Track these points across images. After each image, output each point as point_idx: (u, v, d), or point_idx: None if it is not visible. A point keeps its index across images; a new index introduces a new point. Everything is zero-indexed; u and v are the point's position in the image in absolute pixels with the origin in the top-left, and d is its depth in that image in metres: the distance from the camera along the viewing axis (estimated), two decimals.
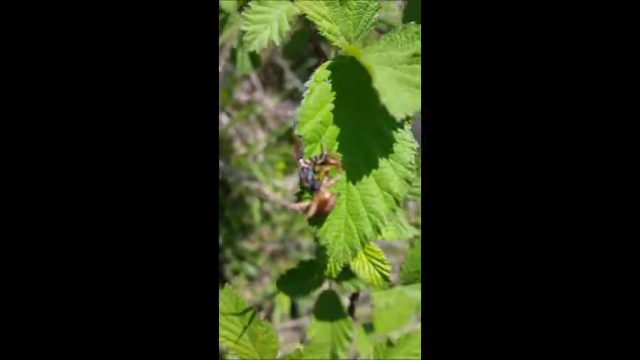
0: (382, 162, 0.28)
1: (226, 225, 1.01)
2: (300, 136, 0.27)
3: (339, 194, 0.28)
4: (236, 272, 1.05)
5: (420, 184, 0.44)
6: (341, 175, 0.27)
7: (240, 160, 1.00)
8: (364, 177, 0.28)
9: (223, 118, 1.02)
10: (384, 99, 0.23)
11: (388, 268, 0.39)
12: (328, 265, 0.41)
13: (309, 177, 0.26)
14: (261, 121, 1.04)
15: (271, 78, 1.06)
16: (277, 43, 0.42)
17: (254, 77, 1.02)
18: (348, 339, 0.47)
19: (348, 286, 0.46)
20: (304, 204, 0.27)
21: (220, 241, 1.01)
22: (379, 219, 0.28)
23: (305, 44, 0.64)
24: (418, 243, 0.44)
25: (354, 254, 0.28)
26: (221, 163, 0.97)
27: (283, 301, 1.06)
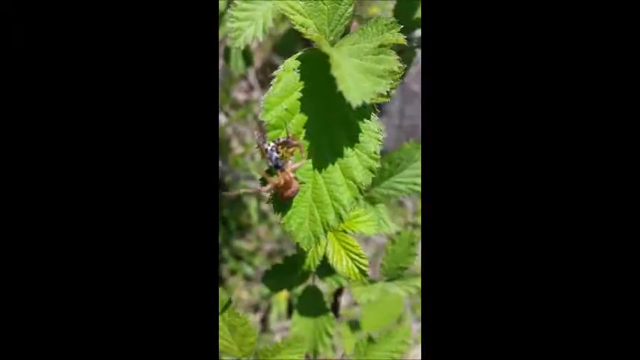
0: (347, 151, 0.28)
1: (224, 224, 1.01)
2: (263, 122, 0.27)
3: (303, 182, 0.28)
4: (233, 272, 1.05)
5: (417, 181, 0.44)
6: (305, 161, 0.27)
7: (237, 160, 1.00)
8: (329, 165, 0.28)
9: (221, 118, 1.02)
10: (341, 86, 0.23)
11: (365, 262, 0.39)
12: (306, 258, 0.41)
13: (273, 157, 0.26)
14: (259, 121, 1.05)
15: (269, 78, 1.07)
16: (260, 39, 0.42)
17: (252, 77, 1.03)
18: (329, 335, 0.47)
19: (331, 282, 0.46)
20: (268, 186, 0.27)
21: (218, 240, 1.01)
22: (342, 207, 0.28)
23: (297, 41, 0.65)
24: (399, 239, 0.44)
25: (317, 241, 0.28)
26: (220, 164, 0.97)
27: (281, 301, 1.05)
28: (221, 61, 1.04)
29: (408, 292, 0.45)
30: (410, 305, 1.08)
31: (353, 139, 0.28)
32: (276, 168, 0.26)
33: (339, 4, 0.32)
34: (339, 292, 0.49)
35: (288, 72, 0.28)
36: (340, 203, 0.28)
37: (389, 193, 0.44)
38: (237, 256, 1.04)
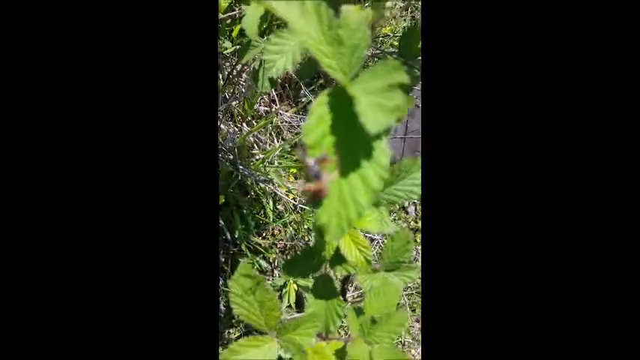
0: (365, 164, 0.35)
1: (243, 222, 1.09)
2: (305, 144, 0.35)
3: (333, 187, 0.35)
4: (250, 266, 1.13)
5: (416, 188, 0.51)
6: (336, 172, 0.35)
7: (257, 165, 1.08)
8: (352, 176, 0.36)
9: (245, 127, 1.10)
10: (362, 119, 0.31)
11: (370, 253, 0.46)
12: (324, 251, 0.49)
13: (315, 169, 0.34)
14: (278, 131, 1.13)
15: (288, 92, 1.15)
16: (290, 71, 0.50)
17: (273, 91, 1.11)
18: (339, 316, 0.54)
19: (341, 270, 0.54)
20: (308, 186, 0.34)
21: (237, 235, 1.09)
22: (361, 207, 0.35)
23: (314, 68, 0.73)
24: (397, 237, 0.51)
25: (343, 232, 0.36)
26: (241, 167, 1.05)
27: (290, 293, 1.13)
28: (246, 78, 1.12)
29: (404, 282, 0.52)
30: (409, 305, 1.14)
31: (369, 155, 0.35)
32: (315, 178, 0.34)
33: (356, 49, 0.39)
34: (346, 280, 0.57)
35: (320, 106, 0.36)
36: (359, 204, 0.35)
37: (390, 198, 0.51)
38: (255, 251, 1.11)
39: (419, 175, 0.50)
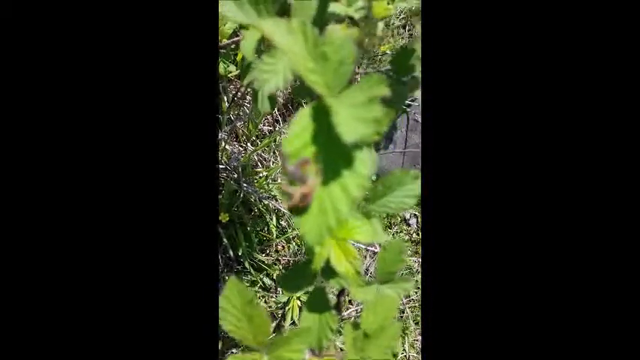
0: (345, 174, 0.36)
1: (247, 239, 1.09)
2: (285, 153, 0.35)
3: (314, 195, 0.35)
4: (253, 283, 1.12)
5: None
6: (317, 177, 0.35)
7: (261, 183, 1.09)
8: (332, 185, 0.36)
9: (249, 147, 1.12)
10: (338, 129, 0.32)
11: (359, 264, 0.46)
12: (313, 262, 0.48)
13: (298, 174, 0.34)
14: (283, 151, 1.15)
15: (291, 112, 1.17)
16: (282, 89, 0.51)
17: (276, 111, 1.13)
18: (332, 330, 0.53)
19: (334, 283, 0.53)
20: (294, 190, 0.34)
21: (240, 252, 1.09)
22: (341, 215, 0.35)
23: (308, 88, 0.74)
24: (389, 247, 0.51)
25: (321, 240, 0.36)
26: (245, 185, 1.06)
27: (294, 310, 1.11)
28: (249, 98, 1.14)
29: (397, 294, 0.51)
30: (412, 317, 1.12)
31: (349, 165, 0.36)
32: (299, 181, 0.34)
33: (342, 65, 0.40)
34: (341, 293, 0.56)
35: (303, 117, 0.37)
36: (339, 212, 0.35)
37: (383, 210, 0.51)
38: (258, 268, 1.11)
39: (413, 186, 0.50)
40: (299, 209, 0.35)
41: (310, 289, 0.55)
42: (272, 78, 0.48)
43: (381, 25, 0.63)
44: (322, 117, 0.37)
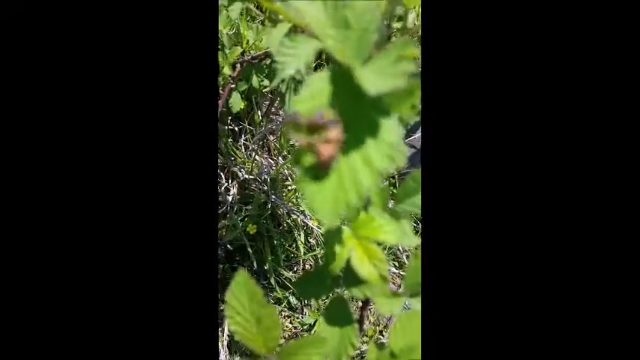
0: (369, 142, 0.30)
1: (273, 253, 1.03)
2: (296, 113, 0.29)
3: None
4: (278, 301, 1.05)
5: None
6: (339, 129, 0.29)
7: (290, 196, 1.04)
8: (352, 154, 0.30)
9: (280, 160, 1.08)
10: (362, 82, 0.26)
11: (385, 267, 0.39)
12: (331, 264, 0.42)
13: (319, 121, 0.27)
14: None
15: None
16: (303, 71, 0.46)
17: None
18: (353, 346, 0.45)
19: (357, 293, 0.46)
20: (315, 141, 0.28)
21: (267, 267, 1.03)
22: (363, 189, 0.29)
23: None
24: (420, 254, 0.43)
25: (338, 219, 0.29)
26: (273, 197, 1.02)
27: None
28: (281, 113, 1.12)
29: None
30: None
31: (374, 133, 0.29)
32: (318, 132, 0.28)
33: (365, 33, 0.35)
34: (365, 306, 0.48)
35: (320, 80, 0.31)
36: (361, 186, 0.29)
37: (413, 209, 0.44)
38: (284, 286, 1.04)
39: None
40: (320, 171, 0.29)
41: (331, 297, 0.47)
42: (293, 61, 0.44)
43: (412, 16, 0.58)
44: (343, 80, 0.31)
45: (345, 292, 0.48)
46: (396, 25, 0.58)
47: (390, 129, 0.30)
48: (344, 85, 0.31)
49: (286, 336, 1.05)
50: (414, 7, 0.54)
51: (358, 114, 0.30)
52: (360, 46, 0.36)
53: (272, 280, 1.02)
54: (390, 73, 0.28)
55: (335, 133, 0.28)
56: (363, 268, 0.39)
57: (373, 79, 0.27)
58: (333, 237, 0.42)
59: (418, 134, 1.11)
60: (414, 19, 0.55)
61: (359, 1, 0.35)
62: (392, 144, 0.29)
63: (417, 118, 0.38)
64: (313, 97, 0.31)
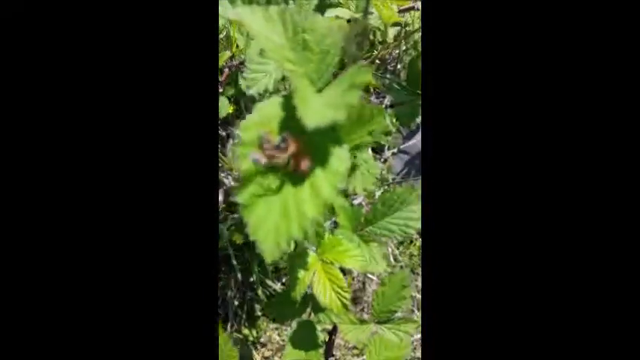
0: (318, 172, 0.30)
1: (260, 265, 1.04)
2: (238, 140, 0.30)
3: (273, 194, 0.30)
4: (265, 313, 1.06)
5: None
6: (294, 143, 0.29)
7: None
8: (297, 182, 0.30)
9: None
10: (300, 112, 0.26)
11: (347, 296, 0.39)
12: (293, 290, 0.42)
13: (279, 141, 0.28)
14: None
15: None
16: (271, 90, 0.47)
17: None
18: None
19: (323, 318, 0.46)
20: (285, 154, 0.29)
21: (253, 279, 1.03)
22: (306, 220, 0.29)
23: None
24: (390, 281, 0.43)
25: (280, 253, 0.29)
26: None
27: None
28: None
29: (398, 338, 0.43)
30: None
31: (323, 162, 0.30)
32: (283, 142, 0.29)
33: (326, 56, 0.35)
34: (333, 331, 0.48)
35: (269, 106, 0.32)
36: (304, 217, 0.29)
37: (382, 233, 0.44)
38: (271, 297, 1.04)
39: (417, 206, 0.43)
40: (299, 174, 0.29)
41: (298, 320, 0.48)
42: (262, 78, 0.44)
43: (392, 31, 0.57)
44: (292, 107, 0.31)
45: (313, 316, 0.48)
46: (378, 37, 0.58)
47: (341, 158, 0.30)
48: (295, 112, 0.32)
49: (274, 349, 1.06)
50: (393, 23, 0.54)
51: (308, 142, 0.30)
52: (319, 70, 0.36)
53: (259, 292, 1.03)
54: (334, 104, 0.28)
55: (296, 145, 0.29)
56: (325, 295, 0.39)
57: (315, 111, 0.27)
58: (297, 260, 0.42)
59: (413, 141, 1.10)
60: (394, 34, 0.55)
61: (319, 23, 0.35)
62: (339, 174, 0.29)
63: (389, 139, 0.38)
64: (262, 123, 0.31)
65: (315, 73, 0.35)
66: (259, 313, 1.06)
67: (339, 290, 0.39)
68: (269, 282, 1.05)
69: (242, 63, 0.90)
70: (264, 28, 0.35)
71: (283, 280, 1.10)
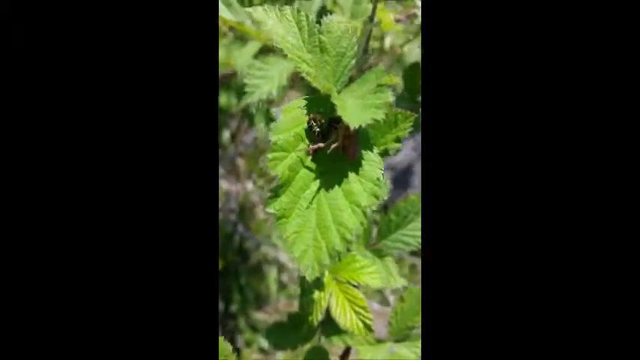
0: (351, 177, 0.29)
1: (241, 293, 1.00)
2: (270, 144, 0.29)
3: (308, 207, 0.28)
4: (249, 344, 1.01)
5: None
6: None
7: (260, 225, 1.01)
8: (333, 192, 0.28)
9: (249, 185, 1.06)
10: (342, 115, 0.25)
11: (370, 316, 0.37)
12: (311, 314, 0.40)
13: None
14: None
15: None
16: (274, 95, 0.46)
17: None
18: None
19: (337, 341, 0.44)
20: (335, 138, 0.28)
21: (234, 309, 0.99)
22: (347, 231, 0.28)
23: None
24: (408, 296, 0.42)
25: (322, 268, 0.28)
26: (241, 228, 0.99)
27: None
28: (253, 134, 1.10)
29: (416, 355, 0.41)
30: None
31: (355, 168, 0.29)
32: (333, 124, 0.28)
33: (342, 58, 0.34)
34: (345, 354, 0.46)
35: (296, 108, 0.31)
36: (346, 227, 0.28)
37: (397, 246, 0.43)
38: (254, 328, 1.00)
39: None
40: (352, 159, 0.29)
41: (307, 347, 0.45)
42: (264, 84, 0.43)
43: (388, 39, 0.58)
44: (321, 109, 0.30)
45: (324, 339, 0.46)
46: (375, 44, 0.58)
47: (373, 164, 0.29)
48: (322, 113, 0.31)
49: None
50: (390, 31, 0.54)
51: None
52: (336, 72, 0.35)
53: (242, 323, 0.98)
54: (370, 104, 0.27)
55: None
56: (345, 317, 0.38)
57: (355, 111, 0.26)
58: (310, 281, 0.40)
59: (400, 157, 1.11)
60: (390, 42, 0.56)
61: (335, 25, 0.34)
62: (375, 180, 0.28)
63: (399, 147, 0.38)
64: (291, 125, 0.30)
65: (333, 75, 0.35)
66: (241, 345, 1.01)
67: (361, 311, 0.37)
68: (251, 312, 1.01)
69: (223, 77, 0.88)
70: (280, 28, 0.34)
71: (265, 309, 1.06)
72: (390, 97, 0.27)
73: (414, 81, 0.56)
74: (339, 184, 0.28)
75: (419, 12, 0.51)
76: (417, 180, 1.13)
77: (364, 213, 0.28)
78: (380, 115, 0.26)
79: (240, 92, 0.95)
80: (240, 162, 1.10)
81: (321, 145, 0.29)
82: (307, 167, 0.29)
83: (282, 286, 1.04)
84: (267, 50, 0.56)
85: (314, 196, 0.28)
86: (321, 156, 0.29)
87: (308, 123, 0.29)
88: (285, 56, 0.37)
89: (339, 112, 0.26)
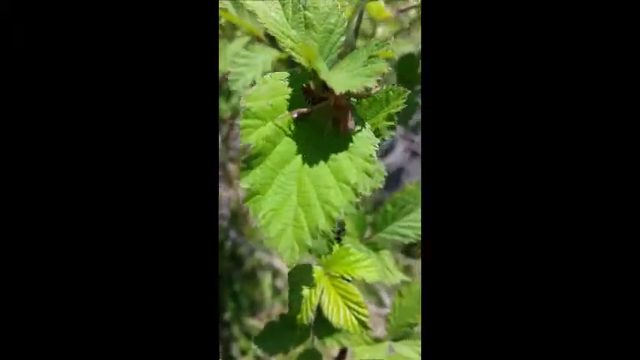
0: (340, 154, 0.26)
1: (234, 300, 0.97)
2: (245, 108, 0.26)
3: (288, 182, 0.26)
4: (244, 352, 0.98)
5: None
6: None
7: (253, 231, 0.99)
8: (319, 168, 0.26)
9: (240, 191, 1.03)
10: (327, 81, 0.23)
11: (366, 312, 0.35)
12: (299, 312, 0.37)
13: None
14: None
15: None
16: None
17: None
18: None
19: (331, 342, 0.41)
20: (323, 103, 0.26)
21: (228, 317, 0.96)
22: (334, 209, 0.25)
23: None
24: (407, 291, 0.39)
25: (303, 250, 0.25)
26: (234, 234, 0.96)
27: None
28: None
29: (417, 354, 0.39)
30: None
31: (345, 143, 0.26)
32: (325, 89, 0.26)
33: (331, 35, 0.33)
34: (342, 356, 0.44)
35: (275, 79, 0.28)
36: (332, 205, 0.25)
37: (394, 239, 0.41)
38: (249, 335, 0.97)
39: None
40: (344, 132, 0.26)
41: (300, 349, 0.43)
42: (248, 72, 0.41)
43: (380, 30, 0.57)
44: (303, 80, 0.28)
45: (317, 341, 0.43)
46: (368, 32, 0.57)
47: (365, 140, 0.27)
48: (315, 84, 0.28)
49: None
50: (383, 21, 0.53)
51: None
52: (324, 49, 0.33)
53: (236, 330, 0.95)
54: (360, 73, 0.25)
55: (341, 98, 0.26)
56: (338, 314, 0.35)
57: (340, 79, 0.24)
58: (299, 276, 0.38)
59: (391, 158, 1.10)
60: (383, 32, 0.54)
61: (322, 2, 0.33)
62: (368, 156, 0.26)
63: (394, 134, 0.36)
64: (269, 94, 0.27)
65: (320, 52, 0.33)
66: (236, 353, 0.98)
67: (356, 307, 0.35)
68: (246, 318, 0.98)
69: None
70: (262, 4, 0.32)
71: (261, 316, 1.03)
72: (386, 68, 0.25)
73: (408, 71, 0.54)
74: (326, 160, 0.26)
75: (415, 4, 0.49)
76: (408, 182, 1.12)
77: (354, 190, 0.25)
78: (370, 83, 0.24)
79: (231, 96, 0.93)
80: (232, 167, 1.08)
81: (307, 110, 0.26)
82: (288, 140, 0.26)
83: (276, 291, 1.01)
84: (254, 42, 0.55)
85: (296, 172, 0.26)
86: (305, 129, 0.27)
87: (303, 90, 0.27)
88: (270, 44, 0.35)
89: (325, 79, 0.24)
